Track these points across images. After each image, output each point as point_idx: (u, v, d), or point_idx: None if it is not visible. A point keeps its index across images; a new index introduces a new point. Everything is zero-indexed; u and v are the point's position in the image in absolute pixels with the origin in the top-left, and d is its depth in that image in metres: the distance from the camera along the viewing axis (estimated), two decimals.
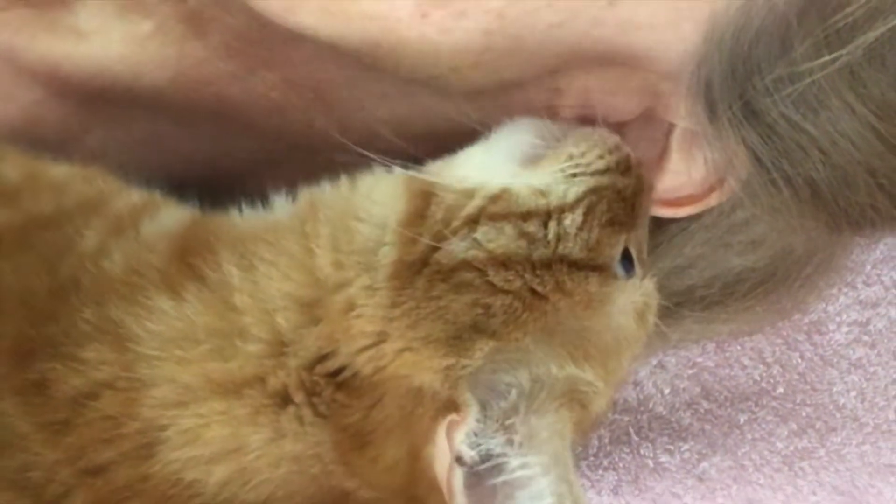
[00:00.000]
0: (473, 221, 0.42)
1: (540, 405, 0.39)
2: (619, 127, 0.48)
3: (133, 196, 0.45)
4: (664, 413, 0.71)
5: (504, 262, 0.41)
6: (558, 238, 0.42)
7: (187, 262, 0.42)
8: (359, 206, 0.43)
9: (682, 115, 0.47)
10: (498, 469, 0.39)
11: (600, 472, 0.68)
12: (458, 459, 0.38)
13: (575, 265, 0.42)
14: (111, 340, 0.40)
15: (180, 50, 0.51)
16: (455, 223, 0.41)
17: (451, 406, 0.38)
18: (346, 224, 0.42)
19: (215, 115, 0.53)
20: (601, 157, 0.45)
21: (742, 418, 0.72)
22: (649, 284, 0.45)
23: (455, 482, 0.38)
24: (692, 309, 0.52)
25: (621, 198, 0.44)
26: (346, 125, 0.51)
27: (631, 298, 0.43)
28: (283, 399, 0.40)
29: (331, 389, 0.39)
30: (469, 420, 0.38)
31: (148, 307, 0.41)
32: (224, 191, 0.46)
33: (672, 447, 0.72)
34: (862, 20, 0.41)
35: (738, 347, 0.72)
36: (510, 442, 0.39)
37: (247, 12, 0.45)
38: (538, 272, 0.41)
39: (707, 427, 0.72)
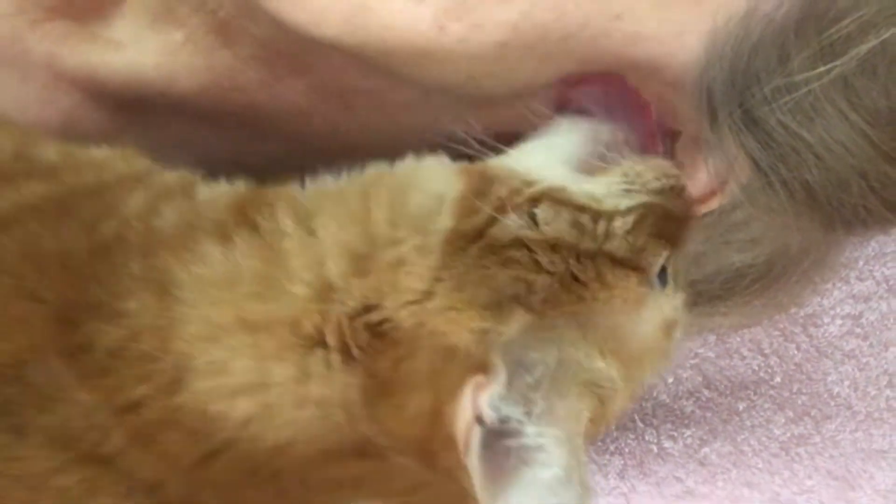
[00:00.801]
0: (535, 200, 0.42)
1: (562, 387, 0.40)
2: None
3: (179, 172, 0.45)
4: (667, 401, 0.72)
5: (553, 246, 0.41)
6: (606, 235, 0.42)
7: (244, 213, 0.42)
8: (419, 179, 0.43)
9: (686, 122, 0.47)
10: (514, 433, 0.39)
11: (607, 456, 0.69)
12: (479, 419, 0.38)
13: (618, 262, 0.42)
14: (154, 287, 0.40)
15: (210, 58, 0.51)
16: (518, 199, 0.42)
17: (481, 368, 0.38)
18: (403, 191, 0.42)
19: (244, 120, 0.53)
20: (657, 178, 0.45)
21: (741, 406, 0.73)
22: (679, 301, 0.45)
23: (473, 440, 0.38)
24: (694, 303, 0.52)
25: (669, 216, 0.45)
26: (370, 130, 0.52)
27: (662, 309, 0.44)
28: (312, 341, 0.39)
29: (367, 337, 0.39)
30: (495, 384, 0.38)
31: (196, 252, 0.41)
32: None
33: (675, 433, 0.72)
34: (855, 33, 0.41)
35: (738, 339, 0.72)
36: (528, 413, 0.39)
37: (274, 24, 0.46)
38: (582, 261, 0.41)
39: (708, 414, 0.73)
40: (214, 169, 0.47)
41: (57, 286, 0.40)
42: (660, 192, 0.45)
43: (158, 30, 0.52)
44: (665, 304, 0.44)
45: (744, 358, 0.73)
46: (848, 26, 0.41)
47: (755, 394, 0.73)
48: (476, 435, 0.38)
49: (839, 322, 0.73)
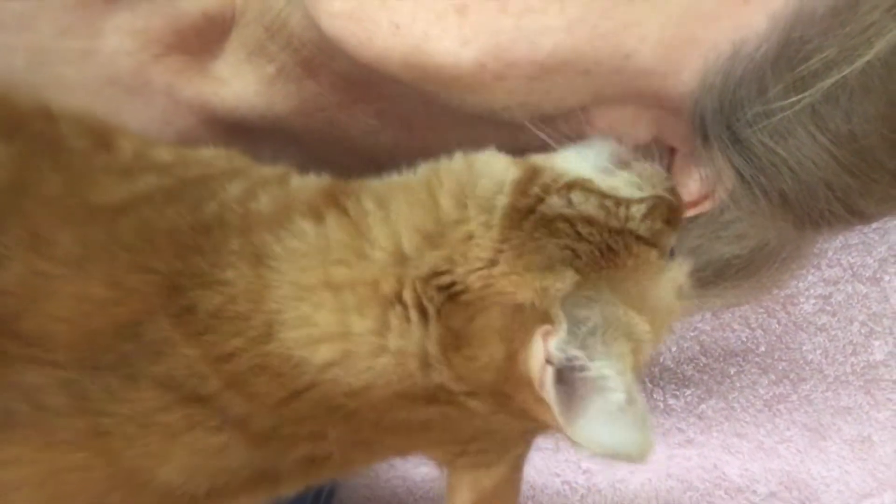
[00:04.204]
0: (570, 187, 0.44)
1: (609, 335, 0.41)
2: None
3: (276, 167, 0.46)
4: (671, 366, 0.74)
5: (589, 221, 0.43)
6: (627, 217, 0.44)
7: (334, 197, 0.43)
8: (486, 167, 0.44)
9: (683, 141, 0.48)
10: (579, 370, 0.39)
11: None
12: (549, 360, 0.39)
13: (641, 239, 0.44)
14: (251, 260, 0.40)
15: (299, 86, 0.54)
16: (557, 185, 0.43)
17: (546, 318, 0.40)
18: (474, 178, 0.43)
19: (325, 136, 0.55)
20: (660, 181, 0.46)
21: (732, 370, 0.75)
22: (686, 267, 0.45)
23: (547, 377, 0.39)
24: (692, 287, 0.51)
25: (673, 209, 0.46)
26: (426, 146, 0.50)
27: (674, 276, 0.45)
28: (391, 299, 0.40)
29: (441, 298, 0.40)
30: (560, 331, 0.39)
31: (291, 229, 0.41)
32: None
33: (678, 392, 0.74)
34: (821, 70, 0.42)
35: (730, 315, 0.75)
36: (590, 355, 0.40)
37: (348, 59, 0.47)
38: (613, 235, 0.43)
39: (705, 377, 0.74)
40: None
41: (167, 258, 0.40)
42: (663, 189, 0.46)
43: (254, 64, 0.54)
44: (676, 272, 0.45)
45: (734, 330, 0.75)
46: (815, 64, 0.42)
47: (744, 360, 0.75)
48: (549, 373, 0.39)
49: (812, 301, 0.75)
